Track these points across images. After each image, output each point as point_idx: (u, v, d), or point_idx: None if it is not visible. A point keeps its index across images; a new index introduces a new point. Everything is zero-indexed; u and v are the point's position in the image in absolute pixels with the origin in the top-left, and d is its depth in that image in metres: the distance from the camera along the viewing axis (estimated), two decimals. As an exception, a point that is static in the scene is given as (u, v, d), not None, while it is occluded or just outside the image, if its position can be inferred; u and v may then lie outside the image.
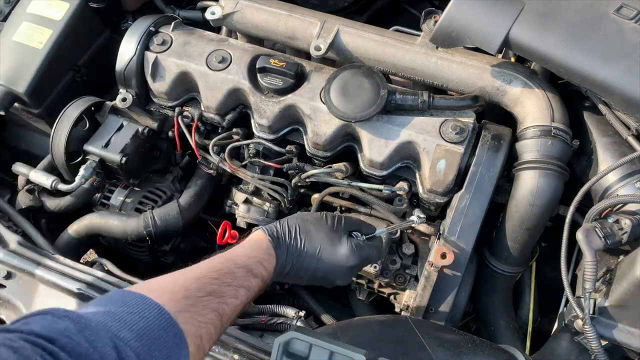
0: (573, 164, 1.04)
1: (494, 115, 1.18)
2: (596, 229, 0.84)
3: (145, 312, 0.57)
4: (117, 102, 1.19)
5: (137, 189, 1.27)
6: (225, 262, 0.73)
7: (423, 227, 1.11)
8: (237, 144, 1.18)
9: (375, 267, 1.07)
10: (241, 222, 1.23)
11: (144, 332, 0.55)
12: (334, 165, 1.14)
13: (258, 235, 0.82)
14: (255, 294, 0.75)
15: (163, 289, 0.63)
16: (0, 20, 1.35)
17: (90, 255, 1.45)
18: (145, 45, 1.20)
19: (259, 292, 0.76)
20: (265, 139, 1.16)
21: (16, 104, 1.30)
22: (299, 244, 0.82)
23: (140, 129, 1.21)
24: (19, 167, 1.26)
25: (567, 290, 0.88)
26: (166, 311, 0.58)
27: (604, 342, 0.84)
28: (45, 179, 1.21)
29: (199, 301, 0.64)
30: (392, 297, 1.16)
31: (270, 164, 1.17)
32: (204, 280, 0.68)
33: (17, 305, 1.04)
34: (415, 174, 1.11)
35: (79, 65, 1.35)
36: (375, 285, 1.16)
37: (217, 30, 1.34)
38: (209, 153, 1.20)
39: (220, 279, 0.69)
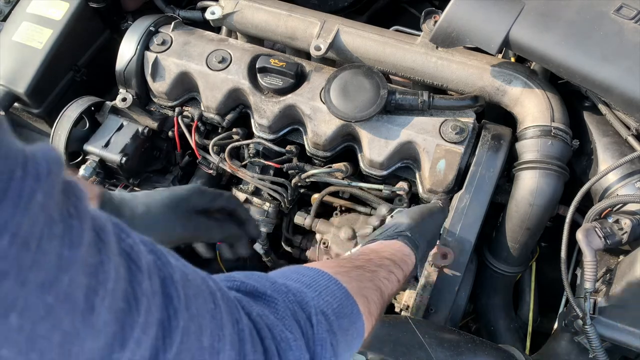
0: (573, 164, 1.04)
1: (494, 115, 1.18)
2: (596, 229, 0.84)
3: (305, 272, 0.56)
4: (117, 102, 1.19)
5: (137, 189, 1.27)
6: (370, 251, 0.72)
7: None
8: (237, 144, 1.18)
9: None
10: (241, 222, 1.23)
11: (309, 283, 0.53)
12: (334, 165, 1.14)
13: (398, 244, 0.79)
14: (398, 290, 0.71)
15: (315, 264, 0.60)
16: (0, 20, 1.35)
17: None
18: (145, 45, 1.20)
19: (398, 292, 0.73)
20: (265, 139, 1.16)
21: (16, 104, 1.30)
22: (424, 249, 0.86)
23: (140, 129, 1.21)
24: (19, 167, 1.26)
25: (567, 290, 0.88)
26: (324, 271, 0.56)
27: (604, 342, 0.84)
28: (45, 179, 1.21)
29: (351, 270, 0.61)
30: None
31: (270, 163, 1.17)
32: (353, 258, 0.66)
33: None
34: (415, 174, 1.11)
35: (79, 65, 1.35)
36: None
37: (217, 30, 1.34)
38: (209, 153, 1.20)
39: (369, 261, 0.67)
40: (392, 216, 0.92)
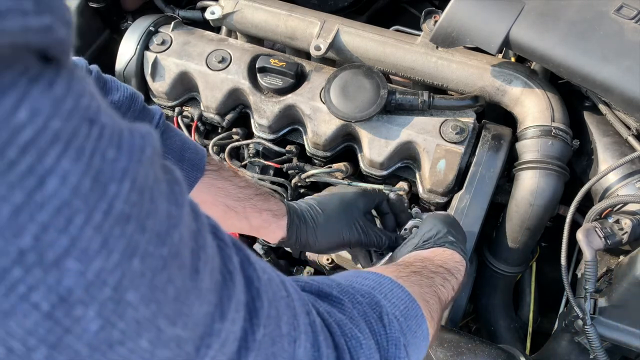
0: (573, 164, 1.04)
1: (494, 115, 1.18)
2: (596, 229, 0.84)
3: (367, 276, 0.55)
4: (117, 102, 1.19)
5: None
6: (423, 258, 0.71)
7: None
8: (237, 144, 1.18)
9: (375, 267, 1.07)
10: (241, 222, 1.22)
11: (374, 286, 0.53)
12: (334, 165, 1.14)
13: (448, 252, 0.78)
14: (454, 299, 0.70)
15: (371, 269, 0.60)
16: None
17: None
18: (145, 45, 1.20)
19: (453, 300, 0.72)
20: (265, 139, 1.16)
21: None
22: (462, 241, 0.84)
23: (140, 129, 1.21)
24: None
25: (568, 290, 0.88)
26: (385, 275, 0.55)
27: (604, 343, 0.84)
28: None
29: (411, 275, 0.61)
30: (392, 297, 1.16)
31: (270, 163, 1.17)
32: (410, 264, 0.65)
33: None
34: (416, 174, 1.11)
35: (79, 65, 1.35)
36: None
37: (217, 30, 1.34)
38: (208, 153, 1.19)
39: (425, 267, 0.66)
40: (416, 227, 0.91)
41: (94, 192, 0.24)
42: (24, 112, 0.22)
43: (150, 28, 1.21)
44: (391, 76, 1.21)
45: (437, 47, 1.09)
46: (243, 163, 1.20)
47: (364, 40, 1.14)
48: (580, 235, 0.84)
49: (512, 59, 1.15)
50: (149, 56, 1.19)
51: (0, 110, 0.21)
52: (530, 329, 1.11)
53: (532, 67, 1.11)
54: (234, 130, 1.21)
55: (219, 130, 1.23)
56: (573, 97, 1.07)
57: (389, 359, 0.46)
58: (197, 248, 0.30)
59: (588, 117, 1.04)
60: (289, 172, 1.17)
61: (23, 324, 0.23)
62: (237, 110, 1.19)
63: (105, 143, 0.25)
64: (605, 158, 0.97)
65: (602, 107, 1.00)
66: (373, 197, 0.95)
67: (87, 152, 0.24)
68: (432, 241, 0.79)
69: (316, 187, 1.21)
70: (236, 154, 1.23)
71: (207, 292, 0.30)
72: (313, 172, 1.13)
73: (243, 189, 0.83)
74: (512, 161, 1.04)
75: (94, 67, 0.68)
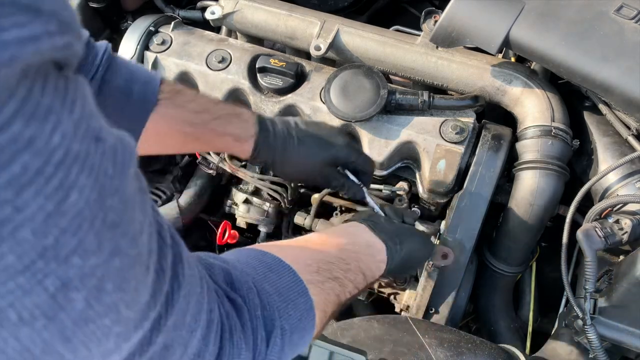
0: (573, 164, 1.04)
1: (494, 115, 1.18)
2: (596, 229, 0.84)
3: (283, 273, 0.57)
4: (117, 102, 1.19)
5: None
6: (351, 254, 0.72)
7: (423, 228, 1.11)
8: (237, 144, 1.18)
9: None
10: (241, 222, 1.23)
11: (282, 290, 0.55)
12: (334, 165, 1.13)
13: (381, 248, 0.77)
14: (366, 287, 0.74)
15: (297, 258, 0.62)
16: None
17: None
18: (145, 45, 1.20)
19: (368, 287, 0.75)
20: (265, 139, 1.16)
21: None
22: (399, 249, 0.81)
23: (140, 129, 1.21)
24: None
25: (568, 290, 0.88)
26: (300, 278, 0.58)
27: (604, 342, 0.84)
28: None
29: (327, 281, 0.64)
30: (392, 297, 1.16)
31: (270, 164, 1.16)
32: (335, 265, 0.67)
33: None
34: (416, 174, 1.11)
35: (79, 65, 1.35)
36: (376, 286, 1.16)
37: (217, 30, 1.33)
38: (208, 153, 1.20)
39: (347, 271, 0.68)
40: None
41: (97, 203, 0.31)
42: (58, 137, 0.28)
43: (150, 28, 1.21)
44: (391, 76, 1.21)
45: (437, 47, 1.09)
46: (243, 163, 1.20)
47: (364, 40, 1.14)
48: (580, 235, 0.84)
49: (512, 59, 1.15)
50: (149, 56, 1.19)
51: (42, 136, 0.27)
52: (530, 329, 1.11)
53: (532, 67, 1.11)
54: (234, 130, 1.20)
55: (219, 130, 1.23)
56: (573, 97, 1.07)
57: None
58: (150, 249, 0.38)
59: (588, 117, 1.04)
60: (289, 172, 1.16)
61: (34, 301, 0.29)
62: (237, 110, 1.19)
63: (106, 160, 0.32)
64: (605, 158, 0.97)
65: (602, 107, 1.00)
66: (349, 152, 0.92)
67: (95, 169, 0.31)
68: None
69: (316, 187, 1.21)
70: (236, 154, 1.23)
71: (149, 285, 0.38)
72: (313, 172, 1.12)
73: (198, 114, 0.80)
74: (512, 161, 1.04)
75: None
